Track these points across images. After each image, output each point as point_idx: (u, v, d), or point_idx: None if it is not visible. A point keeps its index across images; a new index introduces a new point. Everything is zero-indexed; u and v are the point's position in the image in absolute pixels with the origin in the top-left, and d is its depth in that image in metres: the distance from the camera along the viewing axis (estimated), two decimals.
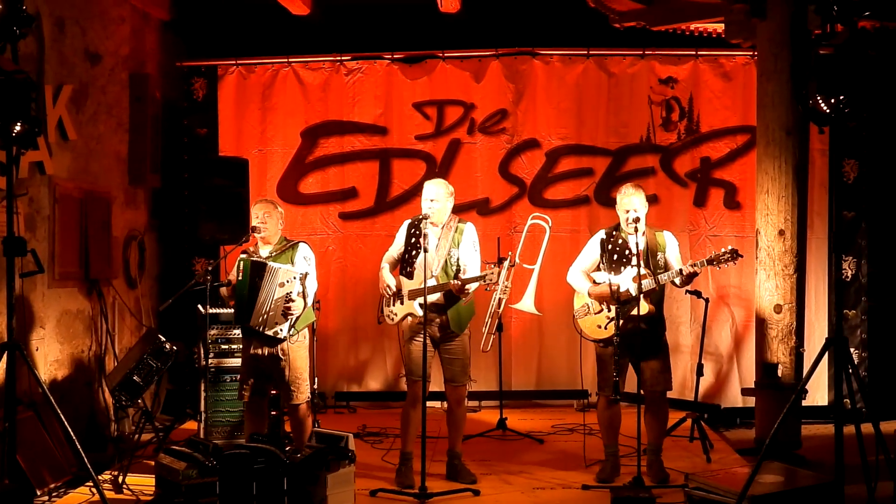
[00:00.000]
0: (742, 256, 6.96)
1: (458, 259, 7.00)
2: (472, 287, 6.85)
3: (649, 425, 7.08)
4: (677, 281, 6.89)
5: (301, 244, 7.16)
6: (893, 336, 9.49)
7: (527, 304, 8.58)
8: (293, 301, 6.80)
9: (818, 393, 9.30)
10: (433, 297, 6.83)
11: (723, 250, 6.81)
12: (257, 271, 6.81)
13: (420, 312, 6.79)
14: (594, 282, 7.10)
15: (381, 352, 9.99)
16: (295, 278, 6.81)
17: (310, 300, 7.02)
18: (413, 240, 7.04)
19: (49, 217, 7.87)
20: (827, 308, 9.56)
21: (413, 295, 6.89)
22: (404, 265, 7.08)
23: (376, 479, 7.04)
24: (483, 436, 8.55)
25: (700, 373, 8.18)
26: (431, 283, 6.82)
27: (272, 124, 10.18)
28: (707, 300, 8.24)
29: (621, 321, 6.83)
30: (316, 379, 8.80)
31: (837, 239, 8.84)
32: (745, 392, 8.91)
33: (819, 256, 9.50)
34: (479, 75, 10.09)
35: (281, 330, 6.81)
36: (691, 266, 6.81)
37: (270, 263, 6.83)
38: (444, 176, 9.65)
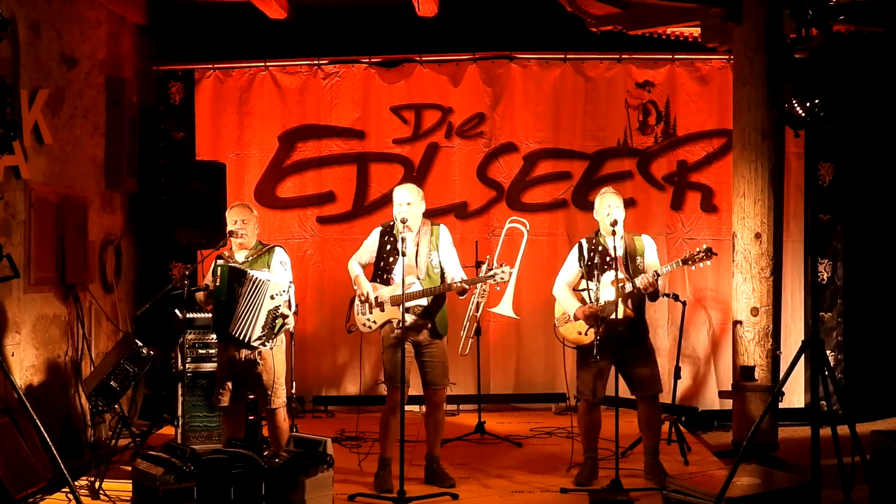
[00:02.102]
0: (716, 255, 7.02)
1: (439, 262, 7.02)
2: (471, 286, 6.96)
3: (646, 429, 7.14)
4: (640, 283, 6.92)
5: (277, 248, 7.14)
6: (869, 338, 9.55)
7: (504, 307, 8.58)
8: (286, 315, 6.81)
9: (795, 395, 9.34)
10: (420, 302, 6.86)
11: (697, 249, 6.89)
12: (236, 277, 6.78)
13: (407, 318, 6.79)
14: (581, 300, 7.06)
15: (358, 356, 9.95)
16: (285, 291, 6.79)
17: (293, 308, 7.02)
18: (388, 247, 7.05)
19: (24, 221, 7.82)
20: (803, 311, 9.62)
21: (396, 301, 6.86)
22: (381, 272, 7.08)
23: (355, 483, 7.02)
24: (462, 439, 8.55)
25: (677, 375, 8.21)
26: (416, 287, 6.85)
27: (249, 128, 10.16)
28: (684, 303, 8.27)
29: (602, 326, 6.87)
30: (294, 383, 8.78)
31: (813, 242, 8.90)
32: (723, 394, 8.93)
33: (795, 259, 9.55)
34: (456, 79, 10.09)
35: (268, 342, 6.79)
36: (663, 270, 6.89)
37: (252, 272, 6.79)
38: (421, 180, 9.69)
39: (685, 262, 6.93)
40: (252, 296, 6.73)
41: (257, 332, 6.73)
